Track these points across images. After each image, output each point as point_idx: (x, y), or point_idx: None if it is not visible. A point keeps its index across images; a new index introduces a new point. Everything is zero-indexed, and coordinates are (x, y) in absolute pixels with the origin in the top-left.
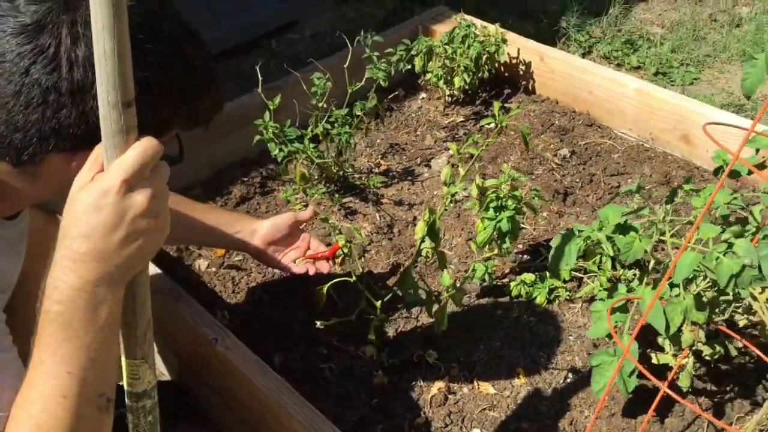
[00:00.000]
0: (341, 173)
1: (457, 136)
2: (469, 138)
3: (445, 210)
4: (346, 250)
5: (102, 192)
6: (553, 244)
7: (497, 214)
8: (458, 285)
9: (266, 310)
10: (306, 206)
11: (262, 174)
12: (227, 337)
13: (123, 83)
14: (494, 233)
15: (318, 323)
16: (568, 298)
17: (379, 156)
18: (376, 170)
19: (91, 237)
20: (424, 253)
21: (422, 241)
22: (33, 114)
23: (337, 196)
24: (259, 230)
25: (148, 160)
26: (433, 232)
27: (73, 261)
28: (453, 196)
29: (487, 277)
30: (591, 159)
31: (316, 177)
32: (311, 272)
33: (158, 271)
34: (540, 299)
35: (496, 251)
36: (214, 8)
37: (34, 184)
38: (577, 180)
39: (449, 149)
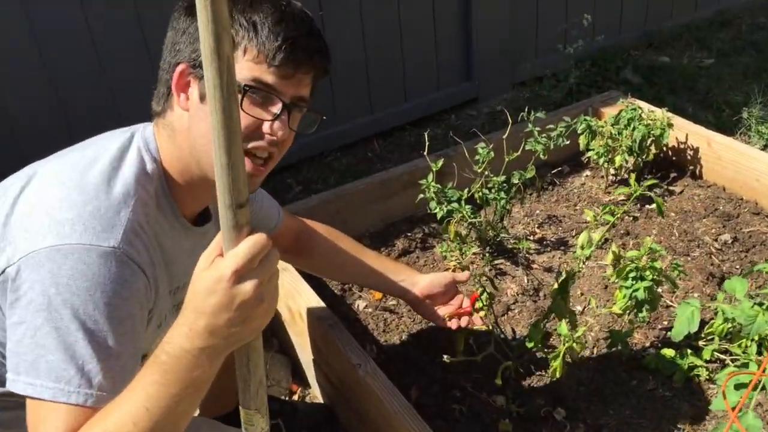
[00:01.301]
0: (496, 237)
1: (615, 214)
2: (611, 210)
3: (580, 271)
4: (484, 299)
5: (216, 278)
6: (679, 310)
7: (634, 283)
8: (575, 335)
9: (410, 351)
10: (460, 263)
11: (424, 231)
12: (368, 363)
13: (236, 189)
14: (631, 302)
15: (445, 357)
16: (708, 378)
17: (536, 225)
18: (531, 238)
19: (205, 314)
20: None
21: (554, 298)
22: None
23: (488, 256)
24: (419, 282)
25: (257, 253)
26: (564, 290)
27: (189, 329)
28: (587, 258)
29: (624, 346)
30: (755, 247)
31: (473, 238)
32: (454, 327)
33: (321, 303)
34: (678, 376)
35: (636, 321)
36: (406, 84)
37: (177, 136)
38: (737, 266)
39: (606, 222)
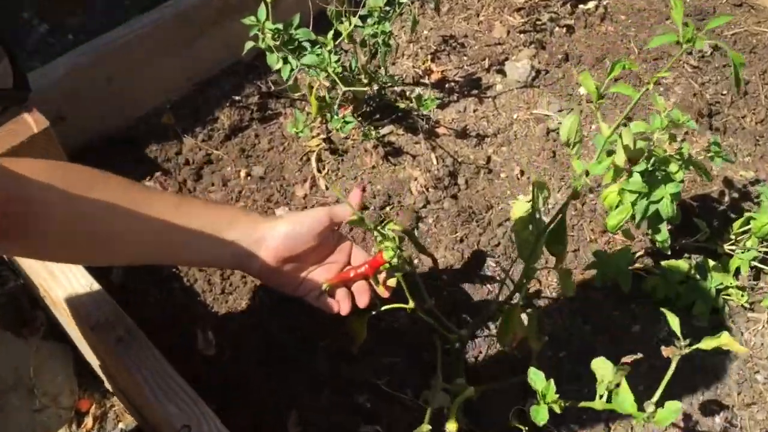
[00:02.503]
0: (375, 88)
1: (540, 24)
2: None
3: (578, 193)
4: (394, 263)
5: None
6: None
7: (651, 189)
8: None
9: (272, 329)
10: (326, 140)
11: (260, 89)
12: (205, 423)
13: None
14: (643, 215)
15: (382, 384)
16: (746, 305)
17: (428, 56)
18: (426, 80)
19: None
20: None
21: (532, 250)
22: None
23: (371, 128)
24: (270, 237)
25: None
26: (558, 238)
27: None
28: (587, 177)
29: (624, 279)
30: (743, 57)
31: (338, 96)
32: (344, 311)
33: (95, 285)
34: (700, 307)
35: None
36: None
37: None
38: (725, 91)
39: (530, 47)
